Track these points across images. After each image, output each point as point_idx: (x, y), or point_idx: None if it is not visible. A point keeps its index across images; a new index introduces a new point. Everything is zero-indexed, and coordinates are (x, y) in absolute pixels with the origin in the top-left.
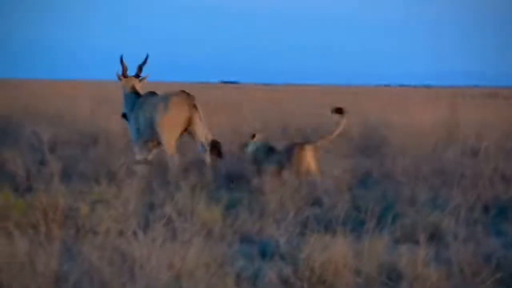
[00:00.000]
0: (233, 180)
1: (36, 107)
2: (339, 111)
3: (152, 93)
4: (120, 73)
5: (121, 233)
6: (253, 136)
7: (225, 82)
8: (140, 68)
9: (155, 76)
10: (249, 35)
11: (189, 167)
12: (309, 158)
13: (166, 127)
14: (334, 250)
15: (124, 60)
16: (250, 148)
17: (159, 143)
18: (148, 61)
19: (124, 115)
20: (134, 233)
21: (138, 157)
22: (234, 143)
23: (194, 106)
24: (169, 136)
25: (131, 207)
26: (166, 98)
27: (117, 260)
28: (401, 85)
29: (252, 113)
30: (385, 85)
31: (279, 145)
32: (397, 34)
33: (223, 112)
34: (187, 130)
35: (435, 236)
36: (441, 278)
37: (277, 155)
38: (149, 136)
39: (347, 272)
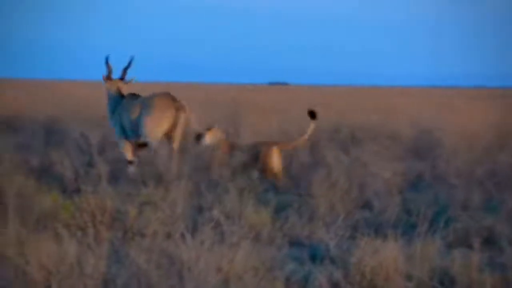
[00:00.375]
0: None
1: (85, 110)
2: (312, 115)
3: (134, 95)
4: (105, 74)
5: (168, 235)
6: (209, 128)
7: (274, 83)
8: (124, 71)
9: (199, 78)
10: (297, 35)
11: (237, 168)
12: (275, 158)
13: (151, 127)
14: (385, 254)
15: (109, 62)
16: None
17: (144, 145)
18: (133, 64)
19: None
20: (182, 236)
21: (130, 158)
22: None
23: (180, 110)
24: (153, 135)
25: (178, 210)
26: (152, 99)
27: (164, 263)
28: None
29: (302, 115)
30: (431, 86)
31: (245, 144)
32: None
33: (272, 114)
34: (170, 131)
35: (489, 241)
36: (496, 283)
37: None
38: (133, 136)
39: (398, 276)
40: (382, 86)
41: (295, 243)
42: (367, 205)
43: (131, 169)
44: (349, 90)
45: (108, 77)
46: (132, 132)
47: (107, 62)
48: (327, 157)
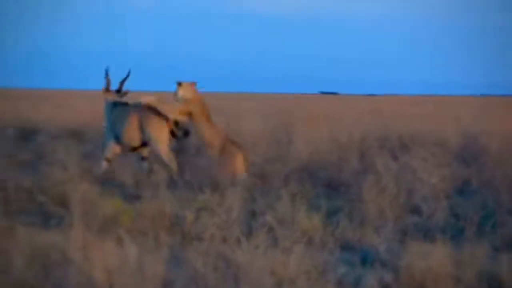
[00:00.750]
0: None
1: None
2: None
3: (125, 104)
4: (104, 86)
5: (224, 240)
6: (180, 83)
7: (325, 93)
8: (121, 83)
9: (252, 88)
10: (348, 45)
11: (289, 175)
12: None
13: (158, 133)
14: (434, 258)
15: (109, 75)
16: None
17: (137, 148)
18: (129, 76)
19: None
20: (237, 240)
21: (109, 155)
22: (333, 152)
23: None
24: (161, 140)
25: (234, 215)
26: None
27: (221, 267)
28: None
29: (352, 123)
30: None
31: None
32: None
33: (323, 123)
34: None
35: None
36: None
37: None
38: (122, 139)
39: (447, 280)
40: (428, 94)
41: (346, 247)
42: (415, 210)
43: (104, 163)
44: (397, 99)
45: (107, 89)
46: (121, 135)
47: (106, 75)
48: (377, 164)
